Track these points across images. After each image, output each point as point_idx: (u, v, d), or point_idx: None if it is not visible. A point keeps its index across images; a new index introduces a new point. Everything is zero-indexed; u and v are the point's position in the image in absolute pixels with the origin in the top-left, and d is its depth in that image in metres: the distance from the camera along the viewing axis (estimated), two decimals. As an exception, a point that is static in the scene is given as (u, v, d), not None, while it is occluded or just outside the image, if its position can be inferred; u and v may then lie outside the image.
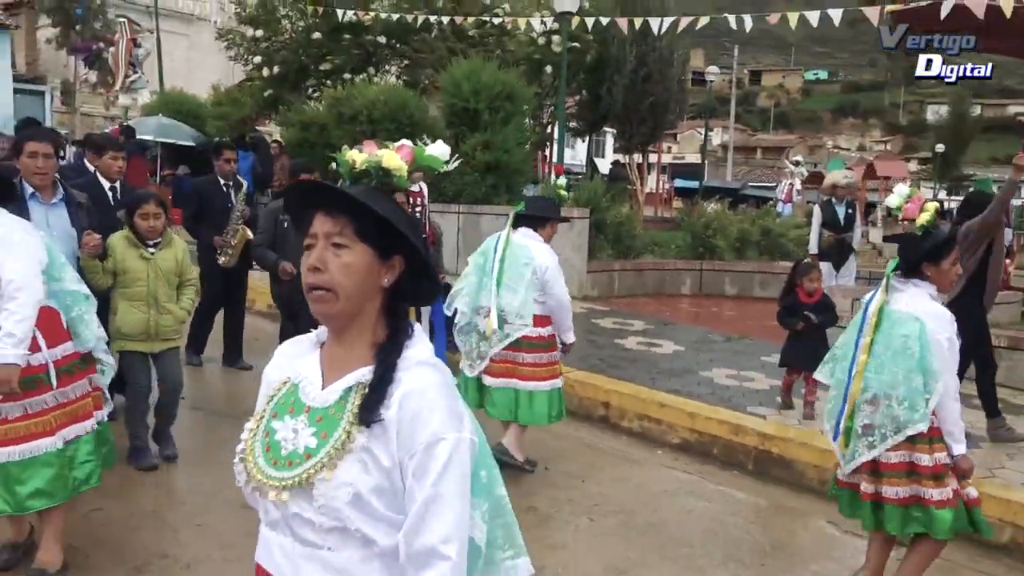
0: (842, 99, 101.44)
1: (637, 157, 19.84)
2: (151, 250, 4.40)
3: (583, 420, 5.90)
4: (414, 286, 1.51)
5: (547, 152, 16.66)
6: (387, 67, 15.72)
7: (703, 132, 31.48)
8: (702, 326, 9.11)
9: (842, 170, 10.24)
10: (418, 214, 8.84)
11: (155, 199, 4.48)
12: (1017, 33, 10.91)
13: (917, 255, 3.34)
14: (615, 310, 9.62)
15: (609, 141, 20.08)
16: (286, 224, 5.32)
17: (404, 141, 1.69)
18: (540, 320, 4.68)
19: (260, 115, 16.72)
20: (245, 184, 6.66)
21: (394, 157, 1.53)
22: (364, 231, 1.43)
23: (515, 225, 4.78)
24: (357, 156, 1.55)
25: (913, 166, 59.93)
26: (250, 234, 6.14)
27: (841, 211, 9.37)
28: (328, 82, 14.24)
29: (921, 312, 3.22)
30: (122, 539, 3.73)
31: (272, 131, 18.85)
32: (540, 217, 4.79)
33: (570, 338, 4.89)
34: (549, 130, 16.70)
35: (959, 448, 3.23)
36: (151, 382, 4.51)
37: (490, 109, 11.61)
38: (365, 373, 1.45)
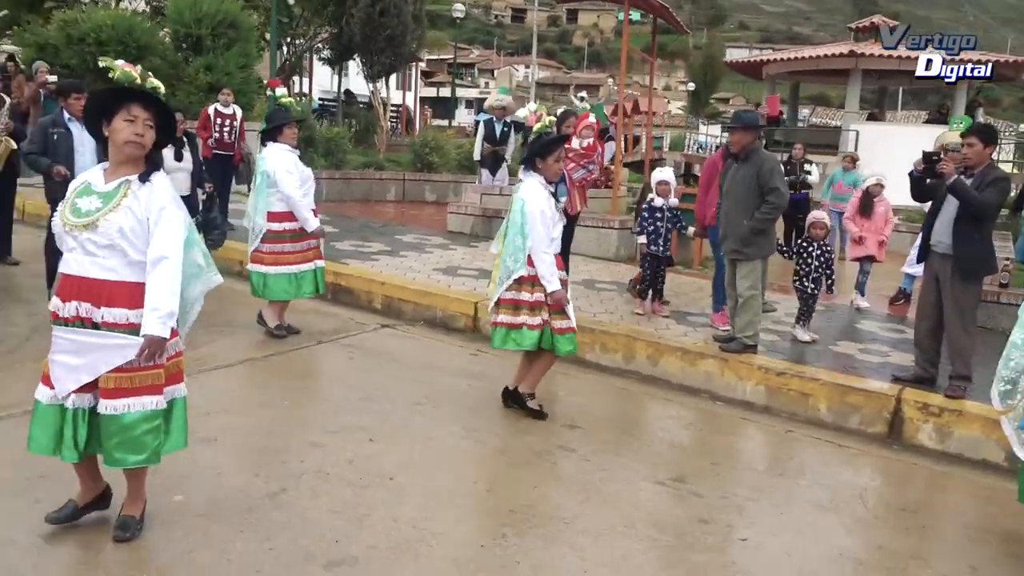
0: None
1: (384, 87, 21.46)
2: None
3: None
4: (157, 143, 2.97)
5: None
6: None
7: (520, 69, 33.40)
8: (378, 220, 11.15)
9: (505, 96, 12.36)
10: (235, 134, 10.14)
11: None
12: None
13: (530, 153, 4.60)
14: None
15: (353, 69, 21.49)
16: (56, 136, 6.22)
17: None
18: (277, 216, 5.72)
19: (-6, 35, 16.90)
20: (8, 100, 7.25)
21: None
22: (155, 119, 2.89)
23: (264, 142, 5.78)
24: None
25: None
26: (14, 145, 6.77)
27: (499, 128, 11.64)
28: (65, 4, 14.85)
29: (523, 193, 4.37)
30: None
31: None
32: (276, 127, 5.76)
33: (310, 226, 5.78)
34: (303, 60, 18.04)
35: (552, 287, 4.38)
36: None
37: (213, 35, 12.92)
38: (131, 178, 2.85)
